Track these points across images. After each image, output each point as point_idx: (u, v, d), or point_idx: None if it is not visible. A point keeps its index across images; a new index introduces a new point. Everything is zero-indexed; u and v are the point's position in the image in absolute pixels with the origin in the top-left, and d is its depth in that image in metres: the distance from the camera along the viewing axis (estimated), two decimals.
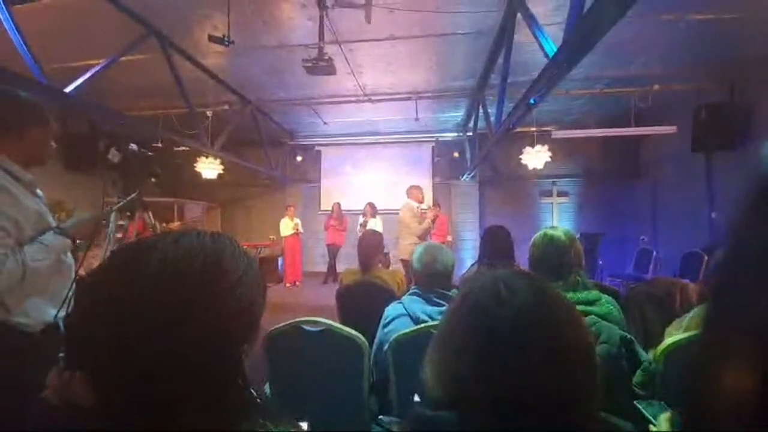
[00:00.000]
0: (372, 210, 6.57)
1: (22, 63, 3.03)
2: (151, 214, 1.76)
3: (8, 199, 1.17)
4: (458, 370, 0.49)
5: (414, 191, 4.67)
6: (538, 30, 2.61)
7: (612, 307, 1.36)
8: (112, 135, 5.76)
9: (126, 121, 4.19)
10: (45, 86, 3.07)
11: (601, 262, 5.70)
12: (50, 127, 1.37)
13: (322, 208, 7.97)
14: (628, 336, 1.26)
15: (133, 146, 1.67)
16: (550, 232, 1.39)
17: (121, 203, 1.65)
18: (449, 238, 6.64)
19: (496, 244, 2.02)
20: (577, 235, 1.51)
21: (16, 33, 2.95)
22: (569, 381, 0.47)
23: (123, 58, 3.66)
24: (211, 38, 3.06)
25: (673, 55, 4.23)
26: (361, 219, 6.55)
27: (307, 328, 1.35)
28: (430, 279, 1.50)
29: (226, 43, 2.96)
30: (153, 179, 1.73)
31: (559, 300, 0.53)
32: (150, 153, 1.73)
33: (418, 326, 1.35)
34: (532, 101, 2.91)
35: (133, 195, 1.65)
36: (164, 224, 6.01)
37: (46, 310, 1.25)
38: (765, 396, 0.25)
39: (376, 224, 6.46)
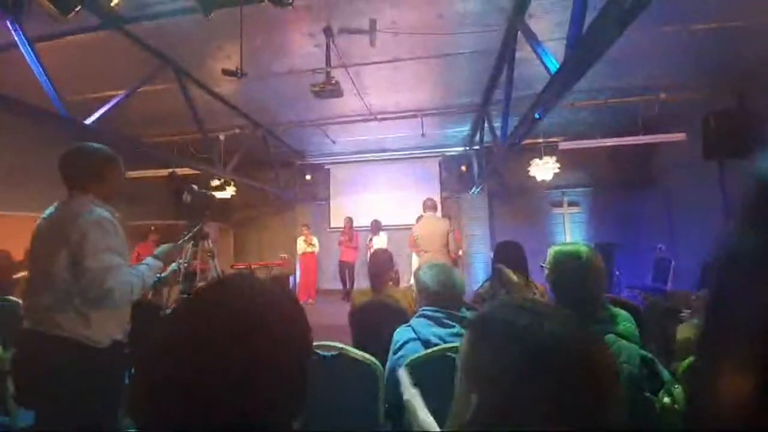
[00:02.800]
0: (376, 227, 6.60)
1: (43, 95, 3.19)
2: (210, 241, 2.29)
3: (117, 235, 1.43)
4: (489, 402, 0.49)
5: (434, 203, 4.52)
6: (539, 47, 2.66)
7: (630, 324, 1.33)
8: (129, 161, 5.96)
9: (143, 148, 4.34)
10: (66, 119, 3.22)
11: (618, 273, 5.57)
12: (121, 168, 1.62)
13: (332, 226, 8.03)
14: (649, 355, 1.23)
15: (194, 187, 2.19)
16: (571, 249, 1.29)
17: (190, 234, 2.17)
18: (460, 253, 6.60)
19: (508, 259, 2.00)
20: (591, 245, 1.42)
21: (40, 68, 3.13)
22: (602, 408, 0.47)
23: (139, 89, 3.84)
24: (225, 71, 3.19)
25: (678, 64, 4.23)
26: (368, 237, 6.59)
27: (320, 352, 1.36)
28: (443, 300, 1.49)
29: (239, 75, 3.08)
30: (207, 213, 2.23)
31: (599, 349, 0.53)
32: (209, 192, 2.31)
33: (430, 350, 1.34)
34: (537, 115, 2.94)
35: (197, 227, 2.18)
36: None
37: (115, 328, 1.46)
38: (763, 400, 0.25)
39: (380, 241, 6.49)
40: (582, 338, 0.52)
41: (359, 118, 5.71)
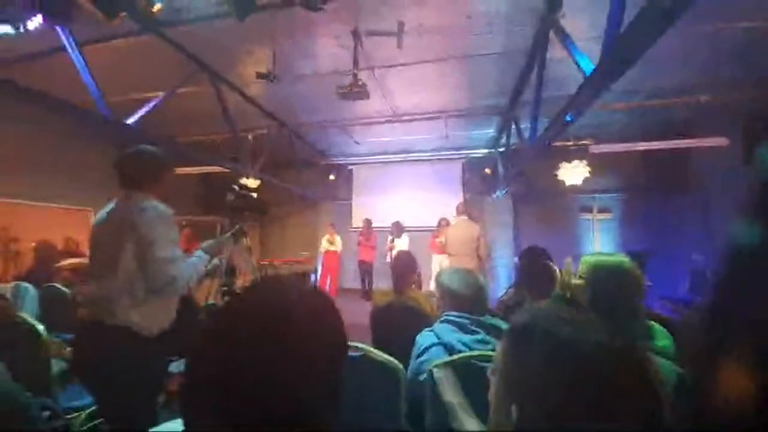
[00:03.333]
0: (398, 229, 6.59)
1: (83, 93, 3.38)
2: (248, 239, 2.52)
3: (176, 230, 1.57)
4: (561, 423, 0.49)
5: (465, 208, 4.59)
6: (573, 47, 2.57)
7: (668, 341, 1.27)
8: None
9: (177, 147, 4.53)
10: (110, 119, 3.41)
11: (650, 284, 5.31)
12: (173, 169, 1.77)
13: (354, 226, 8.09)
14: (686, 374, 1.16)
15: (235, 187, 2.43)
16: (613, 261, 1.22)
17: (232, 231, 2.32)
18: (445, 257, 6.49)
19: (535, 267, 1.94)
20: (624, 255, 1.34)
21: (87, 73, 3.32)
22: (652, 418, 0.48)
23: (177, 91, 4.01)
24: (259, 75, 3.29)
25: (719, 65, 3.99)
26: (389, 238, 6.59)
27: None
28: (468, 305, 1.47)
29: (272, 79, 3.17)
30: (248, 212, 2.45)
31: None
32: (251, 194, 2.57)
33: (454, 356, 1.32)
34: (568, 118, 2.85)
35: (237, 226, 2.33)
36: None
37: (164, 319, 1.58)
38: (763, 400, 0.26)
39: (402, 243, 6.47)
40: (627, 348, 0.51)
41: (383, 119, 5.72)
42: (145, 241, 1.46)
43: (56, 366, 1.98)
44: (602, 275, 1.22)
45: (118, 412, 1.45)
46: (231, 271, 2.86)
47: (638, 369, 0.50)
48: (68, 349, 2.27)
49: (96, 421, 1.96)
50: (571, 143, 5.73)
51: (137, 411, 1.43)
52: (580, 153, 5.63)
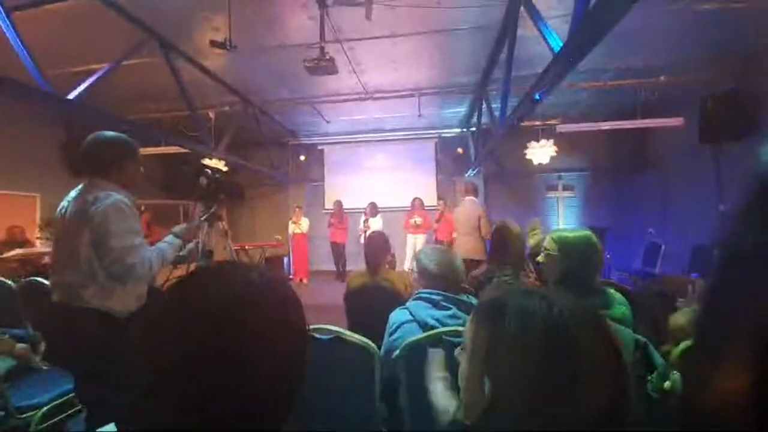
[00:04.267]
0: (372, 210, 6.58)
1: (21, 69, 3.03)
2: (224, 223, 2.53)
3: (135, 218, 1.57)
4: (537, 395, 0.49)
5: (473, 187, 4.69)
6: (543, 24, 2.56)
7: (625, 308, 1.34)
8: None
9: (128, 126, 4.19)
10: (47, 93, 3.07)
11: (608, 256, 5.65)
12: (140, 157, 1.72)
13: (326, 207, 7.97)
14: (643, 340, 1.23)
15: (208, 171, 2.40)
16: (579, 234, 1.29)
17: (206, 215, 2.34)
18: (454, 235, 6.61)
19: (506, 244, 1.98)
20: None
21: (18, 41, 2.96)
22: (618, 383, 0.49)
23: (124, 63, 3.66)
24: (213, 43, 3.05)
25: (681, 45, 4.15)
26: (362, 219, 6.56)
27: (317, 335, 1.34)
28: (441, 282, 1.48)
29: (228, 47, 2.95)
30: (223, 196, 2.39)
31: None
32: (224, 177, 2.54)
33: (429, 333, 1.33)
34: (537, 97, 2.87)
35: (212, 209, 2.35)
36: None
37: (134, 302, 1.62)
38: (758, 390, 0.26)
39: (376, 223, 6.47)
40: (595, 317, 0.54)
41: (354, 96, 5.56)
42: (100, 232, 1.48)
43: (3, 364, 1.84)
44: (570, 245, 1.27)
45: (93, 394, 1.50)
46: (208, 255, 2.85)
47: (606, 336, 0.51)
48: (18, 346, 2.13)
49: (54, 419, 1.86)
50: (539, 123, 5.85)
51: (111, 393, 1.40)
52: (548, 132, 5.77)
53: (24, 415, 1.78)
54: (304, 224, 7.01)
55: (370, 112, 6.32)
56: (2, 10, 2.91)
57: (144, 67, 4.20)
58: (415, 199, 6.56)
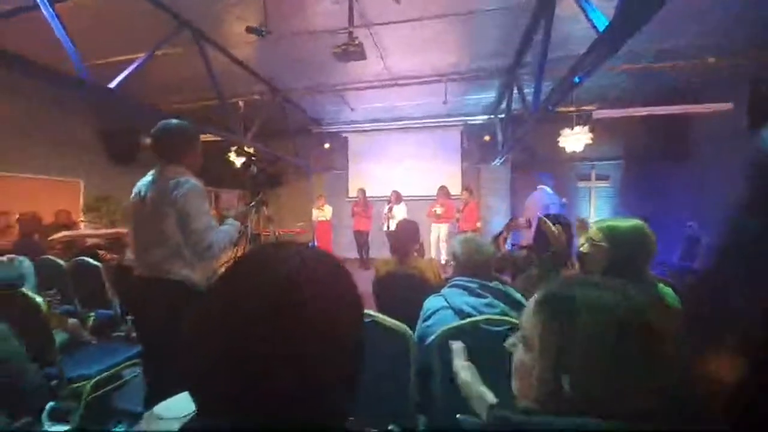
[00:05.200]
0: (397, 197, 6.56)
1: (58, 58, 3.14)
2: (268, 209, 2.84)
3: (207, 201, 1.73)
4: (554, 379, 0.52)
5: None
6: (585, 2, 2.41)
7: (675, 302, 1.27)
8: (149, 128, 6.03)
9: (164, 115, 4.31)
10: (90, 83, 3.19)
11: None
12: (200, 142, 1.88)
13: (350, 195, 8.01)
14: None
15: (253, 159, 2.66)
16: (631, 224, 1.23)
17: (255, 201, 2.61)
18: (478, 225, 6.51)
19: (547, 236, 1.89)
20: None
21: (63, 32, 3.06)
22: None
23: (158, 53, 3.75)
24: (249, 29, 3.07)
25: (730, 25, 3.81)
26: (386, 207, 6.55)
27: None
28: (473, 270, 1.45)
29: (263, 33, 2.98)
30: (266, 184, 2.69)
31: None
32: (268, 166, 2.76)
33: (465, 320, 1.31)
34: (577, 79, 2.73)
35: (259, 196, 2.64)
36: None
37: (210, 275, 1.79)
38: (747, 380, 0.27)
39: (400, 211, 6.45)
40: (660, 309, 0.59)
41: (379, 83, 5.49)
42: (183, 214, 1.63)
43: (57, 337, 1.98)
44: (623, 238, 1.20)
45: (159, 371, 1.64)
46: (255, 239, 3.13)
47: (668, 321, 0.53)
48: (70, 321, 2.28)
49: (102, 390, 1.99)
50: (573, 109, 5.58)
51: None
52: (583, 119, 5.50)
53: (75, 385, 1.92)
54: (328, 211, 7.09)
55: (394, 99, 6.23)
56: (48, 3, 3.03)
57: (176, 57, 4.29)
58: (440, 188, 6.47)
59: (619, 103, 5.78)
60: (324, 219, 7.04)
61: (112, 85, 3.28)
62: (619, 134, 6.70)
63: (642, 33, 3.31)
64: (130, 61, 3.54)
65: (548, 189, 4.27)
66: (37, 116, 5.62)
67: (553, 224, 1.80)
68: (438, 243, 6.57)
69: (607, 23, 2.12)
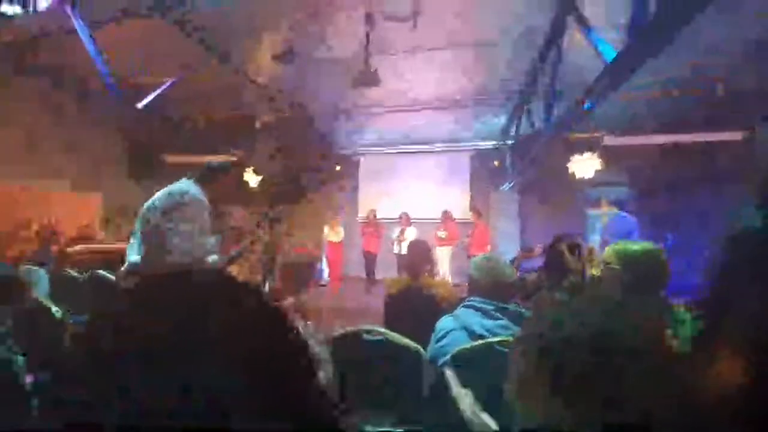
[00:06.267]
0: (407, 220, 6.59)
1: (86, 74, 3.35)
2: (287, 225, 3.33)
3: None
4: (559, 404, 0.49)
5: None
6: (592, 33, 2.51)
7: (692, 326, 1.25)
8: (170, 145, 6.25)
9: (185, 133, 4.50)
10: (119, 101, 3.38)
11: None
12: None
13: (360, 215, 8.07)
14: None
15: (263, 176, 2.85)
16: (643, 247, 1.26)
17: (272, 215, 3.21)
18: (488, 249, 6.47)
19: (561, 261, 1.89)
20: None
21: (98, 54, 3.28)
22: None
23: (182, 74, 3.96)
24: (275, 57, 3.23)
25: (739, 54, 3.89)
26: (395, 231, 6.58)
27: (366, 336, 1.36)
28: (490, 291, 1.46)
29: (289, 60, 3.12)
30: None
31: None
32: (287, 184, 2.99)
33: (478, 342, 1.31)
34: (587, 106, 2.79)
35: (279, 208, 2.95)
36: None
37: None
38: (756, 392, 0.27)
39: (411, 233, 6.47)
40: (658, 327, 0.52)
41: (393, 108, 5.66)
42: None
43: None
44: (635, 262, 1.21)
45: None
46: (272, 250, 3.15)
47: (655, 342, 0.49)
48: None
49: None
50: (582, 135, 5.64)
51: None
52: (592, 145, 5.54)
53: None
54: (341, 233, 7.12)
55: (406, 123, 6.39)
56: (84, 28, 3.26)
57: (198, 79, 4.51)
58: (444, 212, 6.51)
59: (631, 130, 5.82)
60: (336, 240, 7.06)
61: (140, 105, 3.45)
62: (630, 160, 6.67)
63: (654, 60, 3.38)
64: (156, 83, 3.74)
65: (629, 216, 4.19)
66: (65, 131, 5.87)
67: (570, 250, 1.81)
68: (441, 266, 6.52)
69: (614, 54, 2.20)
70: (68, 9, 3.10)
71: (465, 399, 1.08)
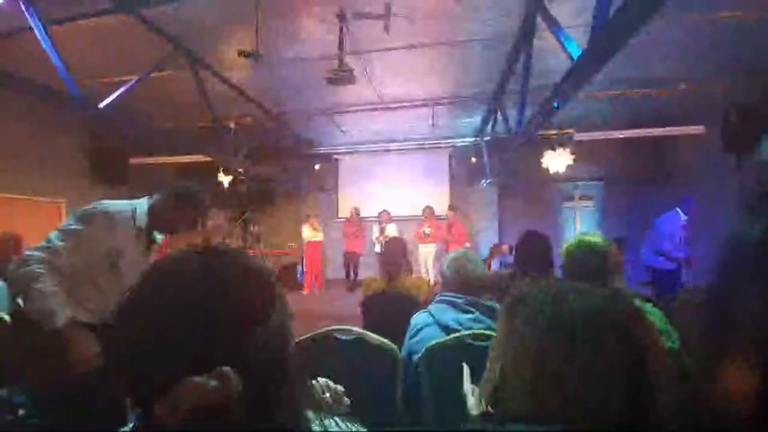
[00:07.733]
0: (387, 217, 6.59)
1: (55, 79, 3.18)
2: (255, 226, 3.32)
3: None
4: (537, 383, 0.50)
5: None
6: (561, 33, 2.58)
7: (663, 324, 1.30)
8: (139, 148, 6.01)
9: (156, 135, 4.35)
10: (80, 101, 3.22)
11: (628, 269, 5.50)
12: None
13: (339, 216, 8.02)
14: (675, 347, 1.20)
15: (242, 178, 3.02)
16: (587, 238, 1.33)
17: (246, 216, 3.20)
18: (468, 245, 6.56)
19: (533, 251, 1.96)
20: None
21: (54, 51, 3.12)
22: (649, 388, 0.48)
23: (152, 75, 3.82)
24: (241, 53, 3.16)
25: (701, 55, 4.11)
26: (376, 228, 6.56)
27: (339, 336, 1.35)
28: (462, 286, 1.48)
29: (256, 58, 3.06)
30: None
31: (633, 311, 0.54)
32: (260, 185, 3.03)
33: (451, 336, 1.32)
34: (556, 105, 2.87)
35: (247, 213, 3.10)
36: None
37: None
38: (761, 394, 0.26)
39: (391, 231, 6.47)
40: (612, 305, 0.53)
41: (369, 107, 5.65)
42: None
43: None
44: (574, 249, 1.31)
45: None
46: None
47: (622, 336, 0.50)
48: None
49: None
50: (555, 132, 5.80)
51: None
52: (564, 141, 5.70)
53: None
54: (321, 231, 7.03)
55: (384, 122, 6.39)
56: (41, 25, 3.09)
57: (168, 78, 4.36)
58: (425, 208, 6.55)
59: (600, 127, 6.04)
60: (316, 239, 6.96)
61: (102, 104, 3.31)
62: (600, 156, 6.95)
63: (617, 62, 3.52)
64: (124, 83, 3.59)
65: (682, 214, 4.15)
66: (23, 135, 5.56)
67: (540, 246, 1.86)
68: (426, 264, 6.54)
69: (580, 52, 2.27)
70: (23, 6, 2.94)
71: (471, 398, 1.08)
